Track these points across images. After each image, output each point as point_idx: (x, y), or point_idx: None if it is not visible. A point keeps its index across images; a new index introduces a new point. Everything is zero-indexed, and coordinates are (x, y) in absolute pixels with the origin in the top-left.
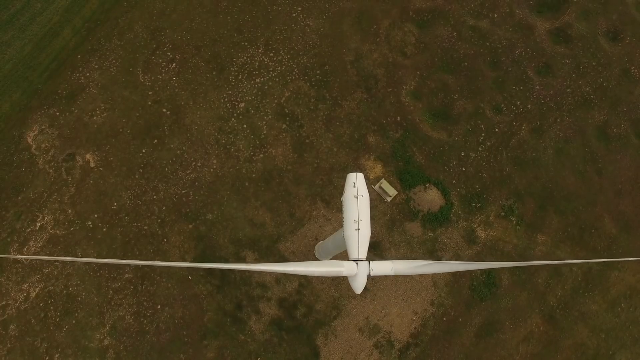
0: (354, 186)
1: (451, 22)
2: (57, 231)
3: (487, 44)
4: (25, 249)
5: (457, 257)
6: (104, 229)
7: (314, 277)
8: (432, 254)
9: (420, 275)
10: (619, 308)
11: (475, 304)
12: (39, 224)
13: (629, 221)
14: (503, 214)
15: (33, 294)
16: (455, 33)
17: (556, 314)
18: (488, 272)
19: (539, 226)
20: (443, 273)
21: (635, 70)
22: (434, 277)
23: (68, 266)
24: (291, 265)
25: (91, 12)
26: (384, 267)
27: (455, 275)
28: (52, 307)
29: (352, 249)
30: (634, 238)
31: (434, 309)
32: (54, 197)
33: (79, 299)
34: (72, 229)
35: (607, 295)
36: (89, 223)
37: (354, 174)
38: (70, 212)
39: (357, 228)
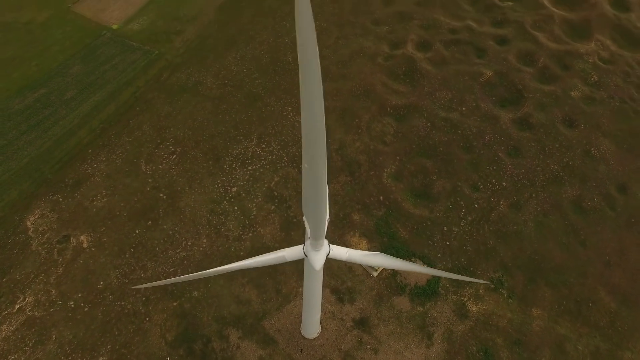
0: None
1: (425, 115)
2: (36, 313)
3: (459, 131)
4: None
5: (450, 333)
6: (86, 309)
7: None
8: (423, 330)
9: (412, 354)
10: None
11: None
12: (17, 306)
13: (627, 295)
14: (493, 286)
15: None
16: (429, 123)
17: None
18: (485, 349)
19: (531, 299)
20: (437, 351)
21: (595, 151)
22: (427, 356)
23: (38, 351)
24: (237, 264)
25: (107, 115)
26: (340, 252)
27: (449, 352)
28: None
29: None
30: (637, 313)
31: None
32: (40, 277)
33: None
34: (52, 309)
35: None
36: (71, 303)
37: None
38: (53, 292)
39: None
